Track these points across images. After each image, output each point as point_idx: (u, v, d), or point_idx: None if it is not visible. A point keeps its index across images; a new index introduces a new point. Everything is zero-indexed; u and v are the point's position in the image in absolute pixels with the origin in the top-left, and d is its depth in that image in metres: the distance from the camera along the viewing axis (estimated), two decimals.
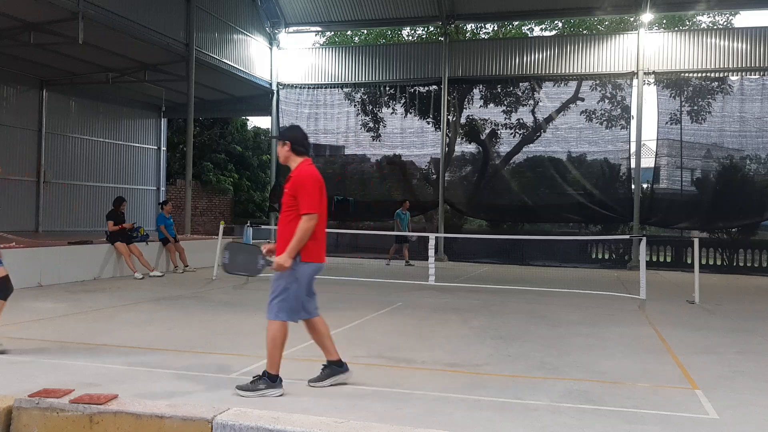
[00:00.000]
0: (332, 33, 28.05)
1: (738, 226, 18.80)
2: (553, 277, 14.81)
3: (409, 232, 17.70)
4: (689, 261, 16.39)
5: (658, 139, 20.17)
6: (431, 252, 12.22)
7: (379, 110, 21.68)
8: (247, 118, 27.93)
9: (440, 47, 20.43)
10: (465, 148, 21.46)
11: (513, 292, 11.48)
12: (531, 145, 20.49)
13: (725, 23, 25.03)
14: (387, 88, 21.40)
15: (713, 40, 18.60)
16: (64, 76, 19.00)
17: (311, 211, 4.68)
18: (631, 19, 21.08)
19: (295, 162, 4.90)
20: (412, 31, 27.45)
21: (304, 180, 4.78)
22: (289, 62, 21.78)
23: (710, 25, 24.87)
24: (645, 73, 18.74)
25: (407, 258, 17.39)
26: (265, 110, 22.52)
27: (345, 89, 21.61)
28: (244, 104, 23.32)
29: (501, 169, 20.73)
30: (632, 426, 4.10)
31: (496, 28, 26.03)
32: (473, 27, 25.24)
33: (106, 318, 7.88)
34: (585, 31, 24.55)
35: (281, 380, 4.68)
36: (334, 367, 4.93)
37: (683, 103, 19.00)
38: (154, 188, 23.52)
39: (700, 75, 18.69)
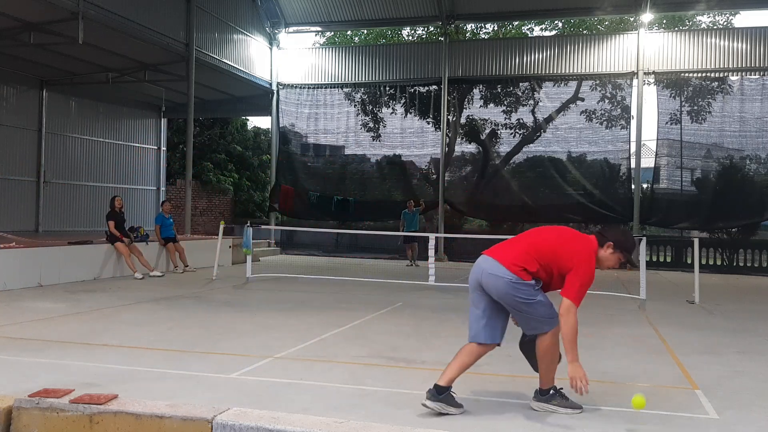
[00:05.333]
0: (332, 33, 28.03)
1: (738, 226, 18.79)
2: None
3: (417, 231, 17.57)
4: (689, 261, 16.38)
5: (658, 139, 20.17)
6: (431, 252, 12.25)
7: (379, 110, 21.67)
8: (247, 118, 27.92)
9: (440, 47, 20.42)
10: (465, 148, 21.46)
11: None
12: (531, 145, 20.49)
13: (725, 23, 25.02)
14: (387, 88, 21.39)
15: (713, 40, 18.59)
16: (64, 76, 18.99)
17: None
18: (631, 19, 21.08)
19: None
20: (412, 31, 27.42)
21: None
22: (289, 62, 21.77)
23: (710, 25, 24.86)
24: (645, 73, 18.74)
25: (410, 258, 17.48)
26: (265, 110, 22.52)
27: (345, 89, 21.60)
28: (244, 104, 23.32)
29: (501, 169, 20.73)
30: (632, 426, 4.10)
31: (496, 28, 26.02)
32: (473, 27, 25.22)
33: (106, 318, 7.88)
34: (585, 31, 24.55)
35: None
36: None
37: (683, 103, 18.99)
38: (154, 188, 23.52)
39: (700, 75, 18.69)
